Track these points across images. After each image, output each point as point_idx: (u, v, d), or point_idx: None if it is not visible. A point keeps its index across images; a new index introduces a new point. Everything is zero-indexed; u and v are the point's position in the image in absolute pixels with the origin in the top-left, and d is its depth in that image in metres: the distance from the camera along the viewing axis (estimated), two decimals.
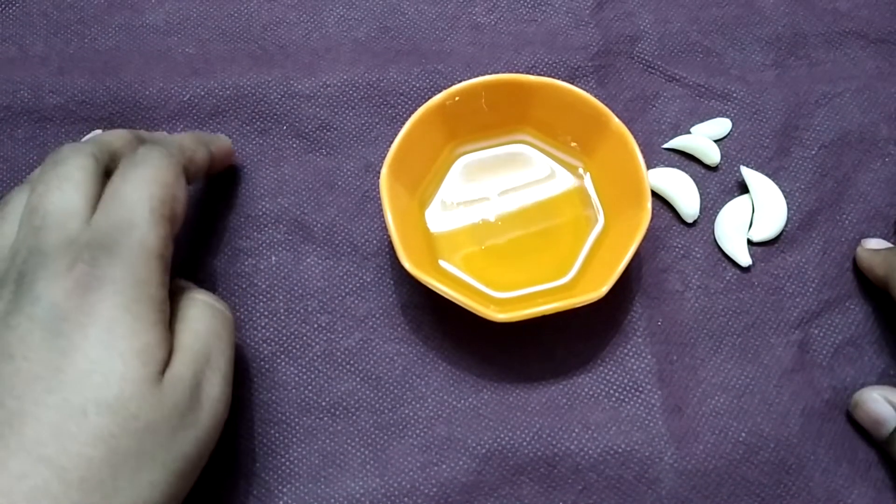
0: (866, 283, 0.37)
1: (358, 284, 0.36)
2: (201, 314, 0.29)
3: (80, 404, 0.24)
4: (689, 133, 0.40)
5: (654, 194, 0.38)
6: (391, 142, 0.35)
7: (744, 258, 0.37)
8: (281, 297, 0.36)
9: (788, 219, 0.38)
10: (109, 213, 0.27)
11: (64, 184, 0.27)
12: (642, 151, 0.35)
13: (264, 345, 0.35)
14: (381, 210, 0.34)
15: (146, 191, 0.27)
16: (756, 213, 0.38)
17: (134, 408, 0.25)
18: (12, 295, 0.26)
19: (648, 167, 0.36)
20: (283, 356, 0.35)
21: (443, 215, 0.37)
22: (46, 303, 0.25)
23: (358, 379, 0.34)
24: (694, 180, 0.38)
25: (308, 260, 0.36)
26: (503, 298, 0.35)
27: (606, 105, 0.36)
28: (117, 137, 0.31)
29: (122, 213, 0.27)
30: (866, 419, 0.33)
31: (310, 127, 0.39)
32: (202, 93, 0.39)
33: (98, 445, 0.24)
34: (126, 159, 0.29)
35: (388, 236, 0.34)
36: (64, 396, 0.24)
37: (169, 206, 0.28)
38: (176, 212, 0.28)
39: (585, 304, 0.32)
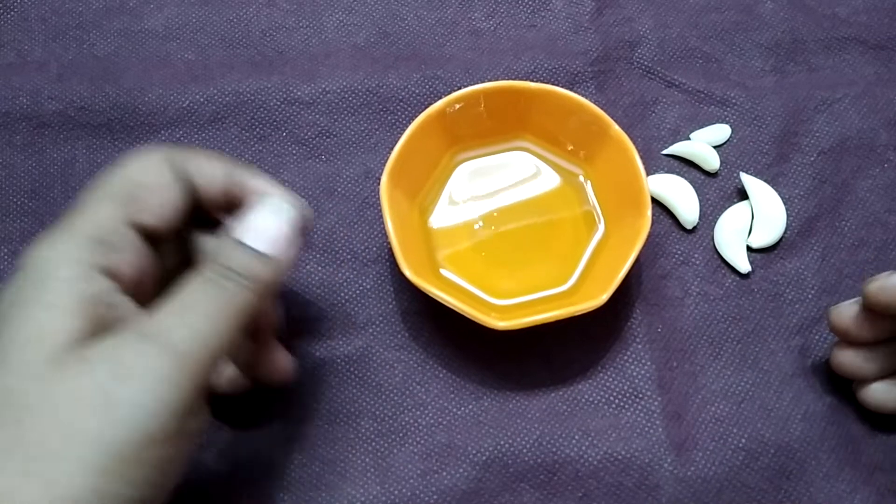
0: None
1: (358, 291, 0.36)
2: (190, 297, 0.26)
3: None
4: (689, 139, 0.40)
5: (654, 200, 0.38)
6: (391, 148, 0.35)
7: (743, 265, 0.37)
8: (280, 305, 0.36)
9: (787, 225, 0.38)
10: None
11: None
12: (642, 158, 0.35)
13: None
14: (381, 217, 0.34)
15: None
16: (755, 220, 0.38)
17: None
18: None
19: (648, 173, 0.36)
20: None
21: (443, 222, 0.37)
22: None
23: (358, 386, 0.34)
24: (693, 186, 0.38)
25: (308, 267, 0.36)
26: (503, 306, 0.35)
27: (606, 111, 0.36)
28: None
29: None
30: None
31: (309, 133, 0.39)
32: (202, 99, 0.39)
33: None
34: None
35: (388, 243, 0.34)
36: None
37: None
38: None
39: (586, 311, 0.32)
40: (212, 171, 0.29)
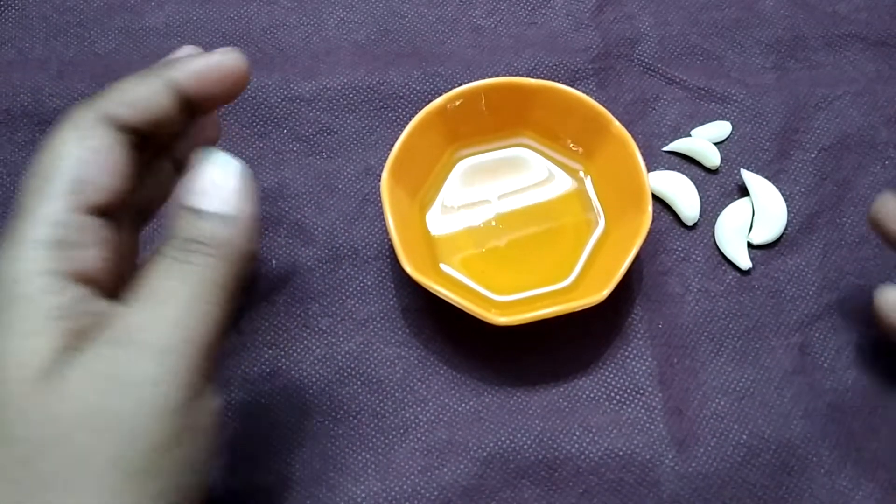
0: (866, 287, 0.37)
1: (358, 288, 0.36)
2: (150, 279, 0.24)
3: None
4: (690, 136, 0.40)
5: (655, 197, 0.38)
6: (391, 145, 0.35)
7: (744, 261, 0.37)
8: (281, 301, 0.36)
9: (788, 222, 0.38)
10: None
11: None
12: (642, 154, 0.35)
13: (265, 348, 0.35)
14: (382, 213, 0.34)
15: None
16: (756, 216, 0.38)
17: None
18: None
19: (649, 170, 0.36)
20: (283, 360, 0.34)
21: (443, 218, 0.37)
22: None
23: (359, 382, 0.34)
24: (694, 183, 0.38)
25: (308, 263, 0.36)
26: (504, 302, 0.35)
27: (606, 108, 0.36)
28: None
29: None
30: None
31: (310, 130, 0.39)
32: None
33: None
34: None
35: (389, 240, 0.34)
36: None
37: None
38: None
39: (586, 307, 0.32)
40: (150, 98, 0.26)
